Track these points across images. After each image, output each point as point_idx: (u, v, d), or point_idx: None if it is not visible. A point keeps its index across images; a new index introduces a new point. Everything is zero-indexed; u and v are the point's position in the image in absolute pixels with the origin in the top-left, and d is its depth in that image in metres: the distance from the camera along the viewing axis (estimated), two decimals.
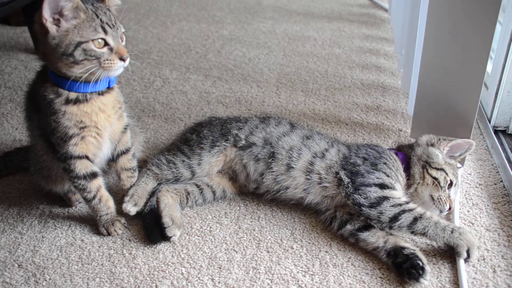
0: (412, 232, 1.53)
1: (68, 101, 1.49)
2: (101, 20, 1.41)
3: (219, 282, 1.49)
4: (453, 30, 1.73)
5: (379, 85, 2.63)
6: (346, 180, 1.64)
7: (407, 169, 1.74)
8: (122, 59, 1.45)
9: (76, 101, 1.49)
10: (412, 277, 1.45)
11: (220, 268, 1.54)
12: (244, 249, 1.60)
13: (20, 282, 1.50)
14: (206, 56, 3.00)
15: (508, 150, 2.02)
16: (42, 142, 1.63)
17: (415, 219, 1.52)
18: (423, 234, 1.52)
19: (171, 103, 2.47)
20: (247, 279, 1.49)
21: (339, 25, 3.48)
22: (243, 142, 1.79)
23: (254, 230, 1.68)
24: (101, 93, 1.54)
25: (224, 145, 1.80)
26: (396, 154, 1.77)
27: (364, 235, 1.58)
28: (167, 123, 2.30)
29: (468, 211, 1.74)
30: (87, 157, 1.58)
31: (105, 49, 1.43)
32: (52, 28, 1.38)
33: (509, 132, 2.14)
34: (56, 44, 1.40)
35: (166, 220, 1.64)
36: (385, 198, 1.57)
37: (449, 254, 1.56)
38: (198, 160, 1.79)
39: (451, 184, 1.70)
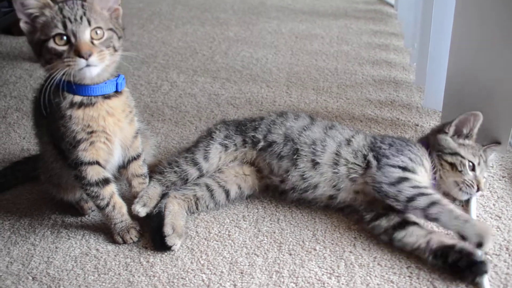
0: (425, 216, 1.49)
1: (72, 105, 1.44)
2: (63, 15, 1.34)
3: None
4: (482, 18, 1.68)
5: (391, 80, 2.58)
6: (373, 162, 1.61)
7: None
8: (81, 55, 1.34)
9: (81, 105, 1.44)
10: (477, 275, 1.40)
11: (242, 273, 1.48)
12: (265, 253, 1.55)
13: None
14: (213, 58, 2.95)
15: None
16: (52, 148, 1.58)
17: (432, 203, 1.48)
18: (436, 219, 1.47)
19: (180, 107, 2.42)
20: (271, 283, 1.44)
21: (346, 22, 3.43)
22: (262, 143, 1.73)
23: (274, 232, 1.63)
24: (107, 97, 1.48)
25: (244, 150, 1.75)
26: (421, 144, 1.76)
27: (401, 235, 1.51)
28: (177, 127, 2.25)
29: (493, 205, 1.69)
30: (98, 163, 1.53)
31: (66, 47, 1.35)
32: (23, 27, 1.37)
33: None
34: (30, 43, 1.40)
35: (166, 229, 1.57)
36: (406, 178, 1.55)
37: None
38: (203, 153, 1.72)
39: (474, 166, 1.67)
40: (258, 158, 1.74)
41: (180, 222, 1.62)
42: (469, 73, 1.82)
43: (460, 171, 1.66)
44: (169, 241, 1.56)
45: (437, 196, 1.51)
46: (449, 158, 1.69)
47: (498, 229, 1.58)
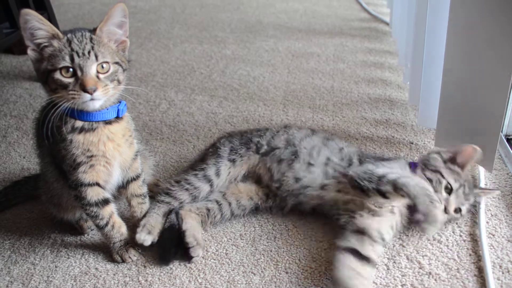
0: (394, 186, 1.53)
1: (73, 129, 1.46)
2: (71, 48, 1.37)
3: None
4: (475, 38, 1.71)
5: (386, 99, 2.61)
6: (356, 163, 1.72)
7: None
8: (86, 90, 1.37)
9: (82, 130, 1.47)
10: None
11: None
12: (262, 271, 1.57)
13: None
14: (211, 77, 2.99)
15: None
16: (53, 169, 1.61)
17: (402, 177, 1.54)
18: (404, 185, 1.50)
19: (178, 125, 2.45)
20: None
21: (342, 40, 3.48)
22: (266, 147, 1.82)
23: (271, 251, 1.65)
24: (108, 122, 1.50)
25: (248, 154, 1.82)
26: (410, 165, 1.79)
27: None
28: (175, 146, 2.28)
29: (487, 222, 1.71)
30: (98, 184, 1.56)
31: (72, 79, 1.37)
32: (30, 54, 1.39)
33: None
34: (36, 71, 1.42)
35: (190, 239, 1.61)
36: (384, 176, 1.59)
37: (476, 266, 1.54)
38: (215, 169, 1.78)
39: (451, 190, 1.66)
40: (260, 163, 1.81)
41: (199, 234, 1.66)
42: (462, 91, 1.85)
43: (433, 187, 1.66)
44: (194, 252, 1.60)
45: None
46: (429, 174, 1.70)
47: (492, 247, 1.60)
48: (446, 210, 1.65)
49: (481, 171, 1.93)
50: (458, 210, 1.68)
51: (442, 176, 1.68)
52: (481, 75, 1.76)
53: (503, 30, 1.61)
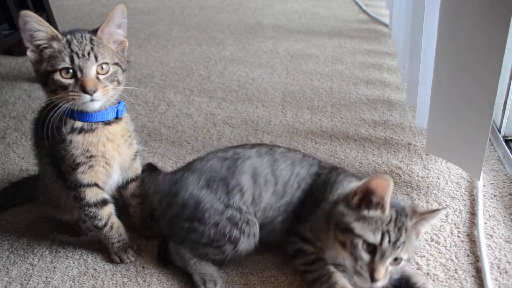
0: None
1: (73, 130, 1.47)
2: (71, 49, 1.37)
3: None
4: (464, 41, 1.71)
5: (385, 100, 2.62)
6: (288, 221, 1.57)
7: None
8: (86, 91, 1.37)
9: (81, 130, 1.47)
10: None
11: None
12: (260, 272, 1.57)
13: None
14: (209, 78, 2.99)
15: None
16: (51, 169, 1.61)
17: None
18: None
19: (177, 126, 2.45)
20: None
21: (340, 42, 3.49)
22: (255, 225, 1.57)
23: (269, 252, 1.65)
24: (108, 123, 1.51)
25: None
26: None
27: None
28: (174, 147, 2.28)
29: (485, 223, 1.71)
30: (97, 185, 1.56)
31: (72, 80, 1.38)
32: (29, 55, 1.40)
33: None
34: (36, 72, 1.42)
35: None
36: (302, 250, 1.52)
37: (474, 267, 1.54)
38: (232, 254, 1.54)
39: (374, 249, 1.30)
40: None
41: None
42: (451, 94, 1.84)
43: (350, 253, 1.32)
44: None
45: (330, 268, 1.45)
46: (341, 236, 1.35)
47: (490, 248, 1.61)
48: (373, 279, 1.29)
49: None
50: (397, 261, 1.33)
51: (355, 234, 1.31)
52: (470, 79, 1.76)
53: (493, 32, 1.61)
